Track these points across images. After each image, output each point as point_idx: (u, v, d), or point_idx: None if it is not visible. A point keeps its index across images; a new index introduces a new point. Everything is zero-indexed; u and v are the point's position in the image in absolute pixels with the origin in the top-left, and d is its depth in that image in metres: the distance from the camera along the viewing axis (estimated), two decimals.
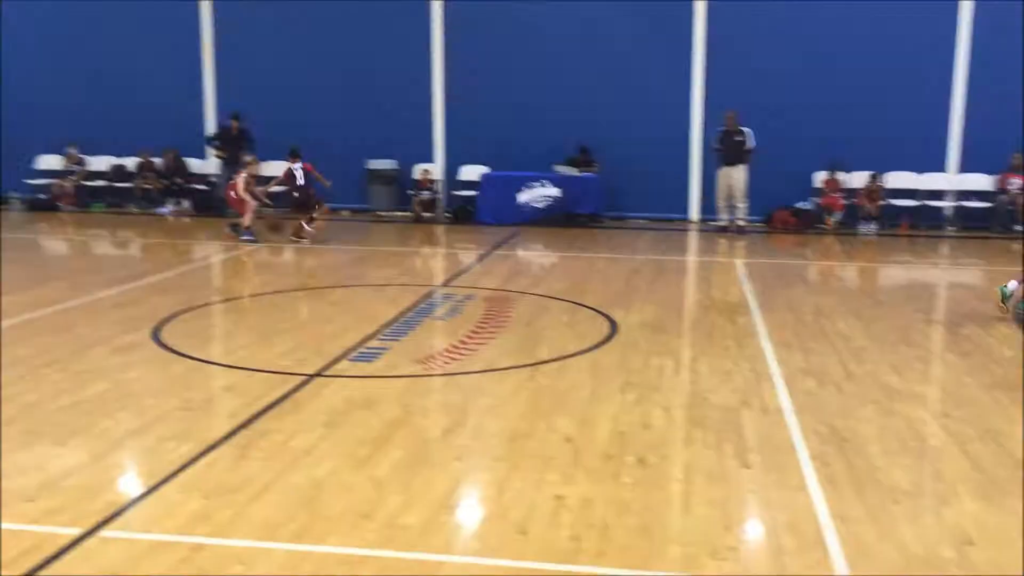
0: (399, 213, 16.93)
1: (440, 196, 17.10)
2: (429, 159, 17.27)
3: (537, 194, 15.96)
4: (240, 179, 13.69)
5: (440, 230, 15.82)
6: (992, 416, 6.05)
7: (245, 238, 13.51)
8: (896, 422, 5.91)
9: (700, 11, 16.15)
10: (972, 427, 5.83)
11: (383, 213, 16.99)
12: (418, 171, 16.85)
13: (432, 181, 16.80)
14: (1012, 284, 8.96)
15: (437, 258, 13.53)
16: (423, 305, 9.43)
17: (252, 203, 13.57)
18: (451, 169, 17.21)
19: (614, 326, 8.48)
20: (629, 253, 13.09)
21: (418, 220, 16.46)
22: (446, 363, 7.26)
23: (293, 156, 13.90)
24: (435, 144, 17.33)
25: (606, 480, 4.93)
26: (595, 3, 16.30)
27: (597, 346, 7.79)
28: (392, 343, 7.81)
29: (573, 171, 16.07)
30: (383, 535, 4.28)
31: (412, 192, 16.77)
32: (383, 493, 4.74)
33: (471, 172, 16.93)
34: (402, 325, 8.48)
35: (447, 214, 16.72)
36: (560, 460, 5.21)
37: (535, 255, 13.38)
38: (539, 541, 4.24)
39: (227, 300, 9.55)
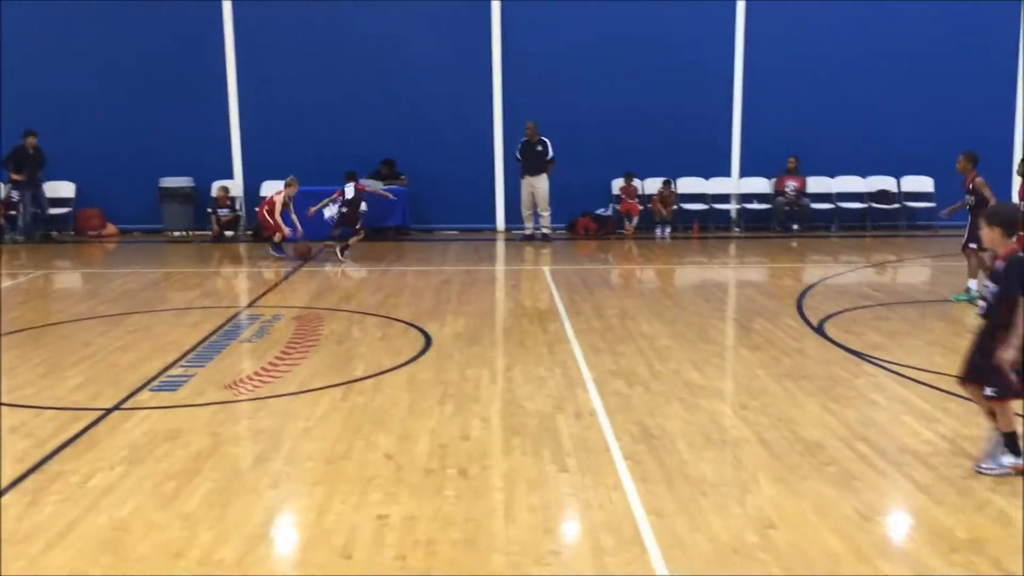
0: (197, 232, 16.22)
1: (241, 213, 16.52)
2: (228, 175, 16.66)
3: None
4: (278, 200, 13.57)
5: (242, 248, 15.29)
6: (783, 404, 6.49)
7: (279, 255, 13.47)
8: (700, 417, 6.22)
9: (496, 22, 16.46)
10: (767, 416, 6.22)
11: (179, 233, 16.22)
12: (216, 188, 16.22)
13: (231, 198, 16.21)
14: (972, 284, 9.90)
15: (241, 278, 13.05)
16: (228, 328, 9.07)
17: (285, 229, 13.52)
18: (251, 185, 16.68)
19: (428, 339, 8.47)
20: (439, 265, 13.13)
21: (218, 239, 15.84)
22: (256, 387, 7.00)
23: (348, 178, 13.89)
24: (233, 159, 16.75)
25: (429, 495, 4.91)
26: (395, 15, 16.29)
27: (412, 360, 7.75)
28: (197, 369, 7.46)
29: (379, 184, 15.96)
30: (197, 573, 4.07)
31: (210, 210, 16.11)
32: (194, 529, 4.51)
33: (273, 188, 16.44)
34: (207, 350, 8.12)
35: (249, 232, 16.18)
36: (381, 479, 5.14)
37: (344, 271, 13.16)
38: (364, 564, 4.16)
39: (10, 333, 8.81)
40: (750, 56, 16.52)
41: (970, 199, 9.81)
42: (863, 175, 16.69)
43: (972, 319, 9.11)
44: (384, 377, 7.23)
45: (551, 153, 15.62)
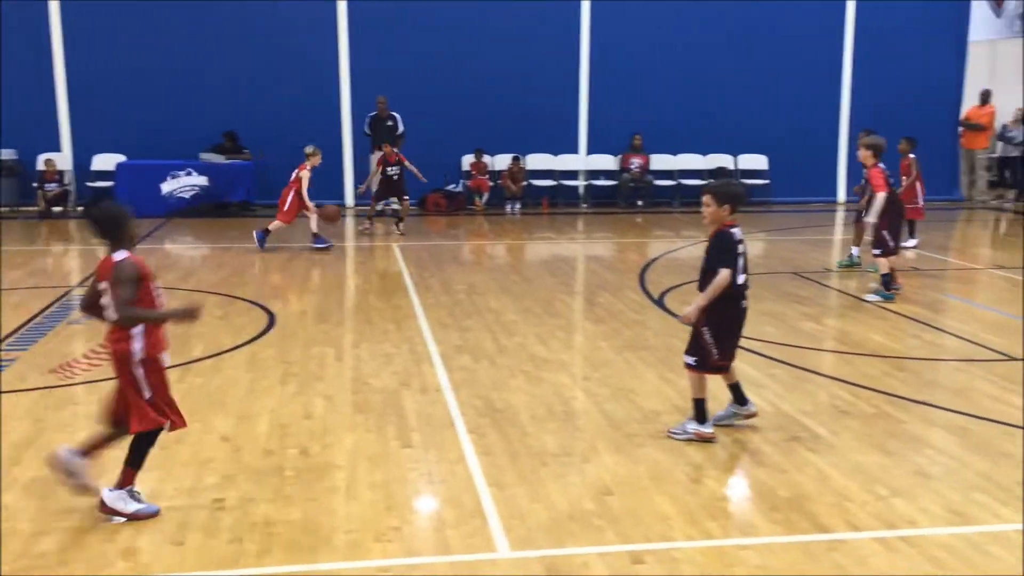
0: (24, 208, 15.24)
1: (71, 188, 15.61)
2: (55, 148, 15.69)
3: (183, 183, 15.13)
4: (305, 176, 12.21)
5: (73, 225, 14.46)
6: (624, 376, 6.68)
7: (320, 245, 12.18)
8: (543, 389, 6.33)
9: None
10: (607, 387, 6.40)
11: (5, 209, 15.20)
12: (42, 161, 15.25)
13: (59, 172, 15.29)
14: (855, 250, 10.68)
15: (71, 256, 12.36)
16: (56, 309, 8.58)
17: (312, 210, 12.17)
18: (82, 159, 15.77)
19: (272, 318, 8.27)
20: (284, 241, 12.81)
21: (46, 215, 14.93)
22: (85, 370, 6.65)
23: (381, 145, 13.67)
24: (61, 131, 15.79)
25: (268, 476, 4.80)
26: None
27: (255, 339, 7.55)
28: (20, 353, 7.03)
29: (220, 158, 15.40)
30: (18, 566, 3.85)
31: (37, 185, 15.15)
32: (15, 520, 4.26)
33: (106, 161, 15.63)
34: (31, 332, 7.66)
35: (79, 208, 15.32)
36: (217, 462, 4.99)
37: (184, 248, 12.67)
38: (197, 550, 4.03)
39: None
40: (597, 34, 16.80)
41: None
42: (703, 153, 17.30)
43: (801, 290, 9.65)
44: (224, 357, 7.01)
45: (401, 128, 15.47)
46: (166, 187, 15.11)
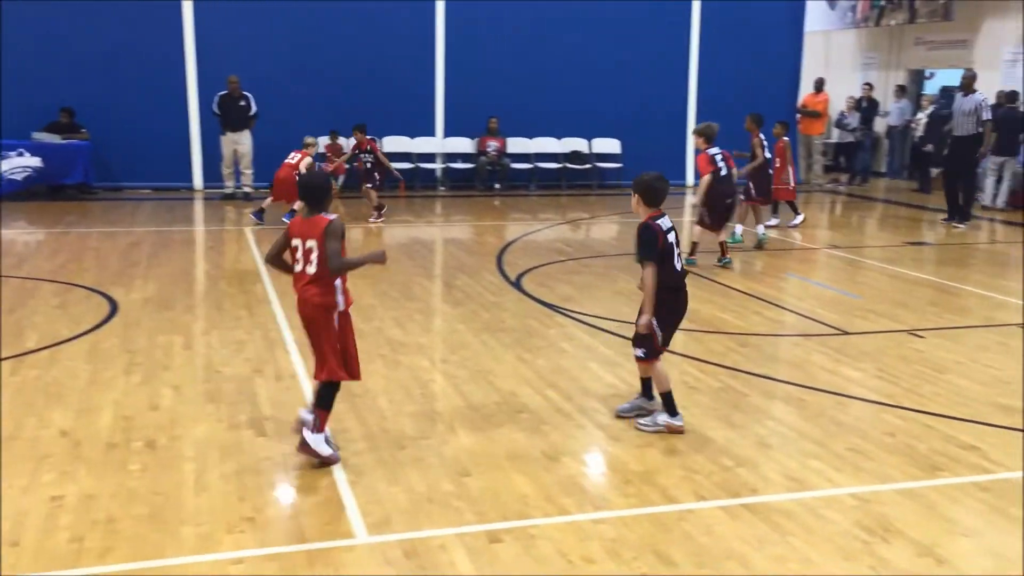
0: None
1: None
2: None
3: (14, 164, 14.18)
4: (302, 163, 12.51)
5: None
6: (482, 357, 6.72)
7: (258, 220, 12.60)
8: (401, 373, 6.30)
9: None
10: (466, 369, 6.42)
11: None
12: None
13: None
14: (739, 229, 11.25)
15: None
16: None
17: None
18: None
19: (114, 306, 7.89)
20: (128, 226, 12.23)
21: None
22: None
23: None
24: None
25: (110, 471, 4.58)
26: None
27: (95, 328, 7.18)
28: None
29: (56, 138, 14.54)
30: None
31: None
32: None
33: None
34: None
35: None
36: (56, 457, 4.73)
37: (16, 233, 11.90)
38: (33, 550, 3.81)
39: None
40: (452, 15, 16.74)
41: (745, 155, 11.47)
42: (558, 137, 17.54)
43: None
44: (61, 348, 6.64)
45: (254, 108, 15.01)
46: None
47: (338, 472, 4.65)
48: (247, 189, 15.18)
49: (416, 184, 16.76)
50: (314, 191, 4.90)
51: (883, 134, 18.71)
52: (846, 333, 7.50)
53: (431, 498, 4.39)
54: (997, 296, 8.92)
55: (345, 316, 4.87)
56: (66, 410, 5.41)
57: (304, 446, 4.73)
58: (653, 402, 5.49)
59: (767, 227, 11.82)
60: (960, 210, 13.31)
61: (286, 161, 12.76)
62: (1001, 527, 4.22)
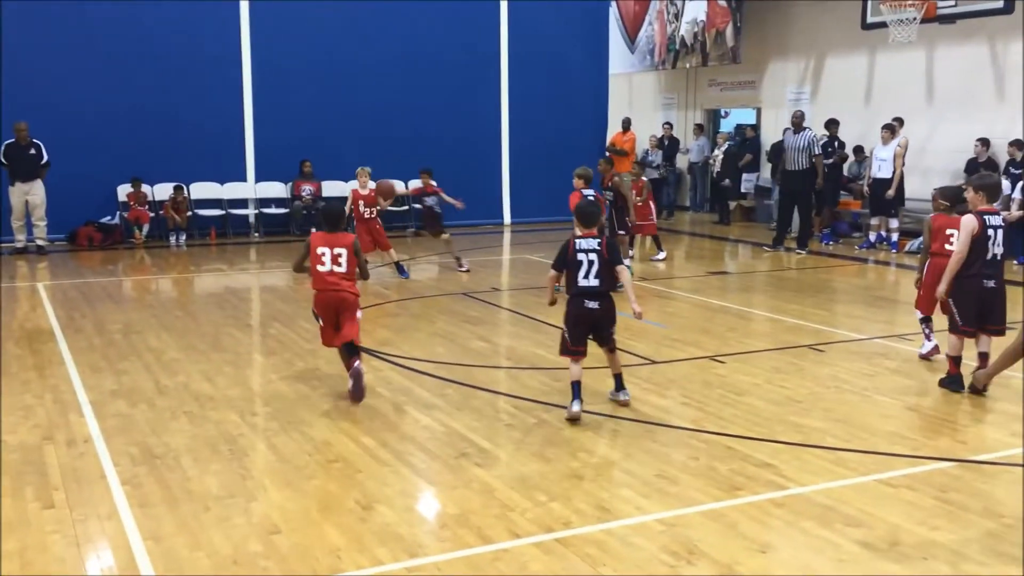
0: None
1: None
2: None
3: None
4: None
5: None
6: (295, 407, 6.52)
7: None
8: (208, 429, 6.02)
9: None
10: (278, 421, 6.21)
11: None
12: None
13: None
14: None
15: None
16: None
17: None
18: None
19: None
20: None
21: None
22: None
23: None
24: None
25: None
26: None
27: None
28: None
29: None
30: None
31: None
32: None
33: None
34: None
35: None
36: None
37: None
38: None
39: None
40: (258, 59, 16.42)
41: (608, 195, 11.85)
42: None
43: (472, 310, 10.00)
44: None
45: (46, 156, 14.15)
46: None
47: (136, 541, 4.37)
48: (40, 242, 14.26)
49: (228, 231, 16.25)
50: (336, 216, 6.81)
51: (685, 170, 19.75)
52: (654, 362, 7.78)
53: (237, 560, 4.19)
54: (789, 320, 9.52)
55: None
56: None
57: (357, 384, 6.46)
58: (620, 394, 6.56)
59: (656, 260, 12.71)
60: (799, 238, 14.22)
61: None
62: (796, 541, 4.45)
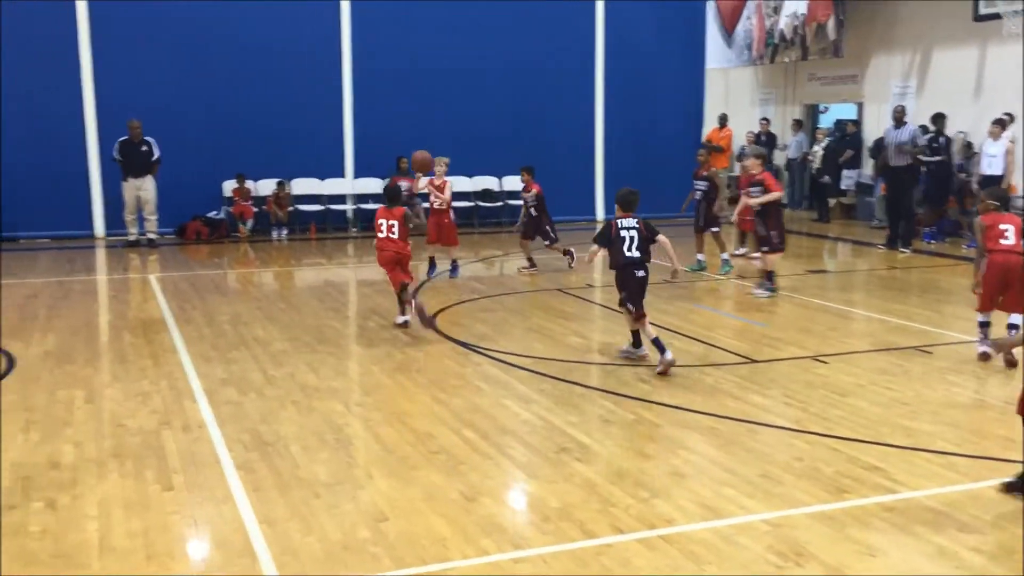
0: None
1: None
2: None
3: None
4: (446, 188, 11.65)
5: None
6: (397, 399, 6.66)
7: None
8: (314, 419, 6.20)
9: (83, 15, 15.15)
10: (380, 411, 6.36)
11: None
12: None
13: None
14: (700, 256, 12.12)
15: None
16: None
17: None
18: None
19: (11, 361, 7.58)
20: (24, 276, 11.80)
21: None
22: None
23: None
24: None
25: (7, 536, 4.38)
26: None
27: None
28: None
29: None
30: None
31: None
32: None
33: None
34: None
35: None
36: None
37: None
38: None
39: None
40: (359, 55, 16.76)
41: (702, 185, 12.06)
42: (469, 175, 17.63)
43: (567, 306, 10.03)
44: None
45: (157, 153, 14.71)
46: None
47: (251, 524, 4.53)
48: (151, 235, 14.84)
49: (327, 226, 16.63)
50: (392, 194, 9.09)
51: (783, 167, 19.37)
52: (754, 361, 7.68)
53: (347, 545, 4.31)
54: (893, 320, 9.26)
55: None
56: None
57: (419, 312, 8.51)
58: (639, 349, 7.64)
59: (733, 255, 12.55)
60: (903, 237, 13.83)
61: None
62: (906, 546, 4.35)
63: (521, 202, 12.81)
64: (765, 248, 10.34)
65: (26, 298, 10.35)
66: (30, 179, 14.74)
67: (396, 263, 8.70)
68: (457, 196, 17.30)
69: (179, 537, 4.46)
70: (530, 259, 12.37)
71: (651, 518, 4.62)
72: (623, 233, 7.37)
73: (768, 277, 10.32)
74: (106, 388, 6.93)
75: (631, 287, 7.39)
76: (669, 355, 7.16)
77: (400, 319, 8.85)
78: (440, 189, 11.59)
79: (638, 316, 7.41)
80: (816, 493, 4.92)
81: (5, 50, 14.60)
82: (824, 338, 8.51)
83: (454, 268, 11.95)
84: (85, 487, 5.00)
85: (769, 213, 10.22)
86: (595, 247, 7.55)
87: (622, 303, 7.50)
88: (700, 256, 12.28)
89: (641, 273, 7.41)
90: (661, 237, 7.44)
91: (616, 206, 7.59)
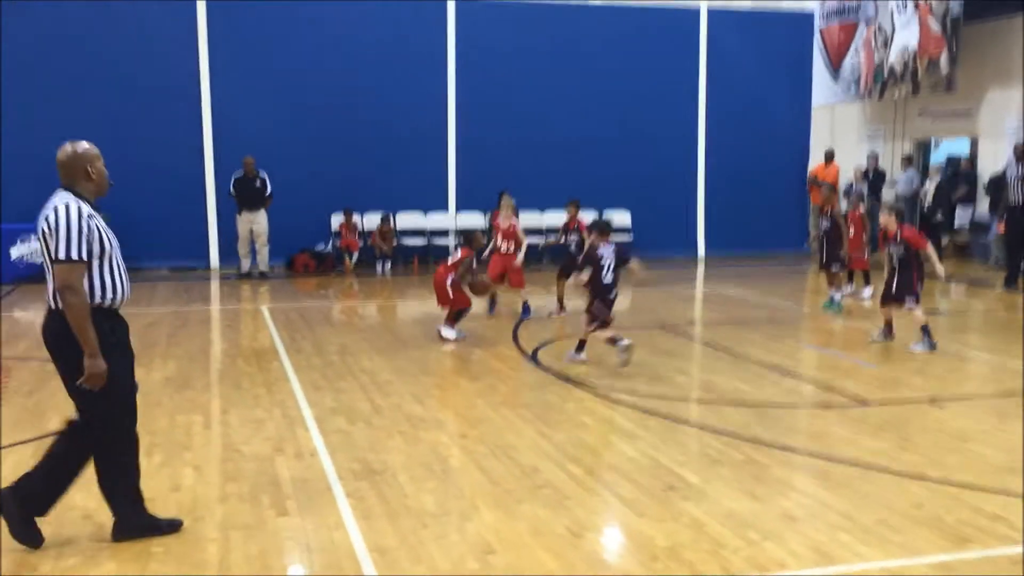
0: None
1: None
2: None
3: (36, 248, 14.37)
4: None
5: None
6: (502, 432, 6.70)
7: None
8: (421, 449, 6.28)
9: (203, 49, 15.89)
10: (485, 444, 6.40)
11: None
12: None
13: None
14: (837, 295, 11.78)
15: None
16: None
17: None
18: None
19: None
20: (145, 306, 12.34)
21: None
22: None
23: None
24: None
25: (133, 556, 4.57)
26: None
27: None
28: None
29: None
30: None
31: None
32: None
33: None
34: None
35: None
36: (80, 541, 4.73)
37: (36, 315, 12.01)
38: None
39: None
40: (462, 92, 17.11)
41: (825, 224, 11.88)
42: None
43: (670, 343, 9.93)
44: None
45: (270, 188, 15.27)
46: (15, 251, 14.36)
47: (361, 552, 4.62)
48: (263, 268, 15.35)
49: (430, 259, 16.90)
50: (466, 237, 10.34)
51: (892, 204, 18.84)
52: (867, 403, 7.46)
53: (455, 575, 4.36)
54: (1015, 363, 8.87)
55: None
56: (87, 493, 5.39)
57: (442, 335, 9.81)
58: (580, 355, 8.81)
59: (844, 296, 12.13)
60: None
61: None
62: None
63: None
64: (913, 301, 9.40)
65: (146, 326, 10.82)
66: (152, 211, 15.45)
67: (438, 287, 9.98)
68: (555, 231, 17.49)
69: (294, 561, 4.57)
70: (561, 300, 11.56)
71: (762, 561, 4.52)
72: (603, 262, 8.55)
73: (924, 330, 9.37)
74: (222, 414, 7.18)
75: (606, 302, 8.58)
76: (625, 341, 8.45)
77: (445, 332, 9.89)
78: (508, 235, 11.26)
79: (602, 326, 8.60)
80: (937, 542, 4.74)
81: (129, 85, 15.41)
82: (941, 380, 8.22)
83: (526, 310, 11.46)
84: (205, 510, 5.18)
85: (914, 265, 9.37)
86: (585, 272, 8.65)
87: (590, 314, 8.61)
88: (835, 294, 11.83)
89: (614, 294, 8.69)
90: (632, 264, 8.89)
91: (596, 233, 8.78)
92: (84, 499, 5.28)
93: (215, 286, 14.87)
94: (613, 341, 8.52)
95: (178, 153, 15.83)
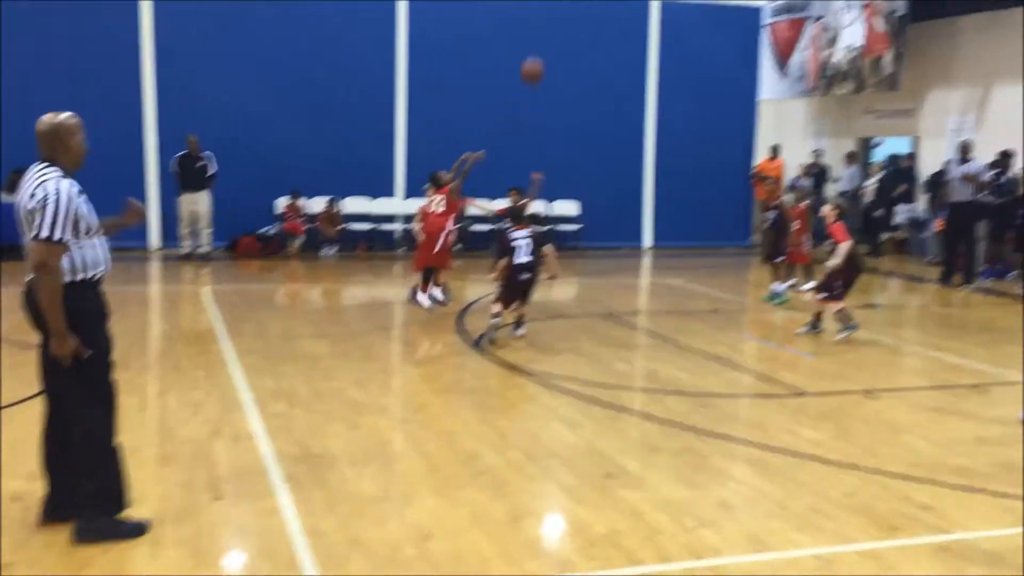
0: None
1: None
2: None
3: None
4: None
5: None
6: (444, 418, 6.69)
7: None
8: (362, 434, 6.24)
9: (148, 24, 15.54)
10: (428, 430, 6.38)
11: None
12: None
13: None
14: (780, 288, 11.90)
15: None
16: None
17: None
18: None
19: None
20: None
21: None
22: None
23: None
24: None
25: (59, 538, 4.45)
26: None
27: (40, 394, 7.01)
28: None
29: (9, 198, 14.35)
30: None
31: None
32: None
33: None
34: None
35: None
36: (6, 522, 4.59)
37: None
38: None
39: None
40: (413, 77, 16.97)
41: (770, 216, 12.09)
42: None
43: (615, 332, 10.00)
44: (14, 411, 6.49)
45: (214, 168, 15.00)
46: None
47: (297, 536, 4.57)
48: (205, 249, 15.09)
49: (376, 245, 16.79)
50: (435, 180, 10.80)
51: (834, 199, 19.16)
52: (804, 394, 7.58)
53: (393, 561, 4.33)
54: (949, 358, 9.09)
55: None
56: (16, 476, 5.26)
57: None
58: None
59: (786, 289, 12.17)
60: (963, 273, 13.62)
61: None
62: None
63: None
64: (827, 294, 9.85)
65: None
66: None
67: (433, 235, 10.33)
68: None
69: (228, 546, 4.51)
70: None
71: (698, 548, 4.57)
72: (515, 243, 8.95)
73: (840, 317, 9.78)
74: (160, 396, 7.05)
75: (513, 285, 8.94)
76: (522, 331, 9.23)
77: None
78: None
79: (506, 307, 9.01)
80: (868, 530, 4.83)
81: (67, 58, 15.00)
82: (876, 373, 8.38)
83: (444, 293, 11.00)
84: (137, 493, 5.04)
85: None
86: (502, 261, 8.94)
87: (500, 293, 9.03)
88: (776, 287, 11.98)
89: (526, 276, 8.98)
90: (547, 248, 9.23)
91: (509, 219, 9.52)
92: (12, 482, 5.14)
93: (155, 267, 14.59)
94: (517, 326, 9.22)
95: (117, 131, 15.43)
